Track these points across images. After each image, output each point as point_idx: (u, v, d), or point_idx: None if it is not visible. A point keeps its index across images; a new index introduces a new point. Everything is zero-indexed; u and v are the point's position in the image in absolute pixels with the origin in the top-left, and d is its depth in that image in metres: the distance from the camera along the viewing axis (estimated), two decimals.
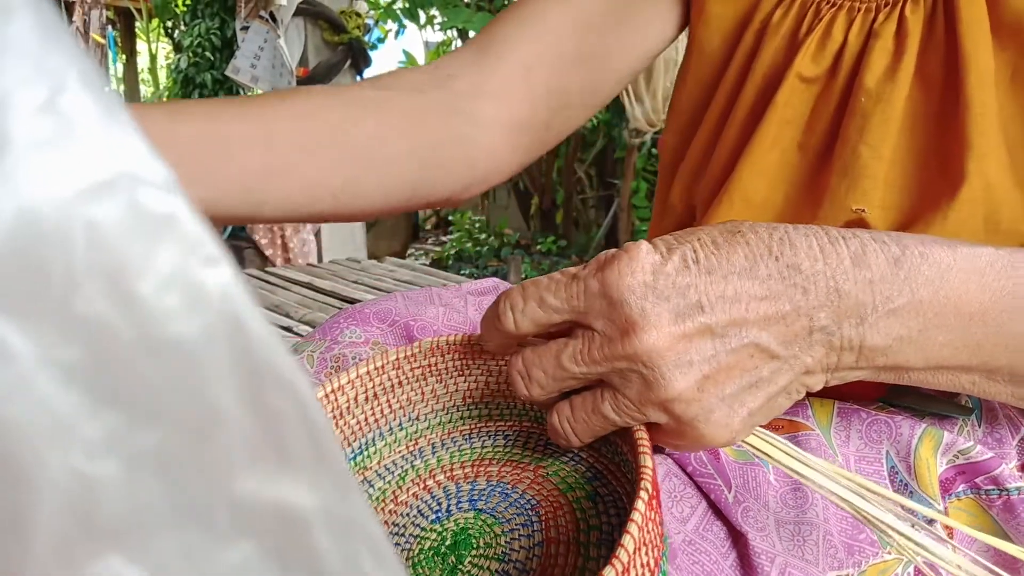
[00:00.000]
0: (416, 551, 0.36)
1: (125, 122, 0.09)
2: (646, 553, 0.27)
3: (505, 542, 0.35)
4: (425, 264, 4.41)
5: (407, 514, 0.38)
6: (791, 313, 0.30)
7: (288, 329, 2.10)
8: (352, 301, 2.42)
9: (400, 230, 5.14)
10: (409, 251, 5.25)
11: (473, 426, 0.41)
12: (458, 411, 0.41)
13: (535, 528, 0.35)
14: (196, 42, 4.38)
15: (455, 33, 4.56)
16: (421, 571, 0.35)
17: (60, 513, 0.09)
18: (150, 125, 0.40)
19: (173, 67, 4.83)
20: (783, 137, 0.48)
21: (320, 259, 3.68)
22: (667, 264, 0.30)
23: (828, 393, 0.44)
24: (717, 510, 0.39)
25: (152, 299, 0.09)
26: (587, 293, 0.30)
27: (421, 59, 5.32)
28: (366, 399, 0.39)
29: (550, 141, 0.59)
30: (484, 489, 0.38)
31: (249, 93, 3.40)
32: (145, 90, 6.45)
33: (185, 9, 4.59)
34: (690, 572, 0.37)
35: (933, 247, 0.32)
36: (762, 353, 0.30)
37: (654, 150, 3.98)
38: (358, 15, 3.60)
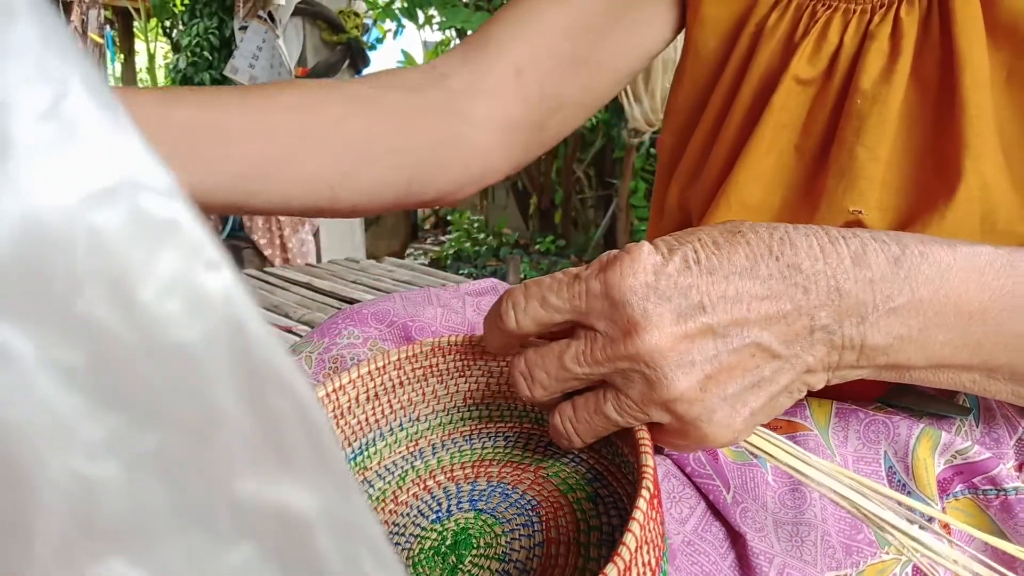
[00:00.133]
0: (416, 551, 0.36)
1: (128, 127, 0.09)
2: (647, 552, 0.27)
3: (505, 542, 0.35)
4: (424, 264, 4.41)
5: (407, 514, 0.38)
6: (792, 312, 0.30)
7: (287, 329, 2.10)
8: (351, 301, 2.42)
9: (399, 230, 5.14)
10: (408, 251, 5.25)
11: (473, 427, 0.41)
12: (459, 412, 0.41)
13: (535, 528, 0.35)
14: (194, 42, 4.38)
15: (454, 33, 4.56)
16: (421, 571, 0.35)
17: (61, 515, 0.09)
18: (143, 108, 0.39)
19: (171, 67, 4.83)
20: (779, 140, 0.48)
21: (319, 259, 3.68)
22: (668, 265, 0.30)
23: (826, 393, 0.45)
24: (716, 511, 0.39)
25: (153, 303, 0.09)
26: (589, 294, 0.30)
27: (420, 59, 5.32)
28: (367, 399, 0.39)
29: (546, 142, 0.59)
30: (484, 490, 0.38)
31: None
32: None
33: (183, 9, 4.58)
34: (689, 572, 0.37)
35: (933, 246, 0.32)
36: (764, 352, 0.30)
37: (653, 150, 3.98)
38: (356, 15, 3.60)
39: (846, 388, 0.45)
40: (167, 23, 4.96)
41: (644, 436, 0.31)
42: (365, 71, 3.62)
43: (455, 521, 0.37)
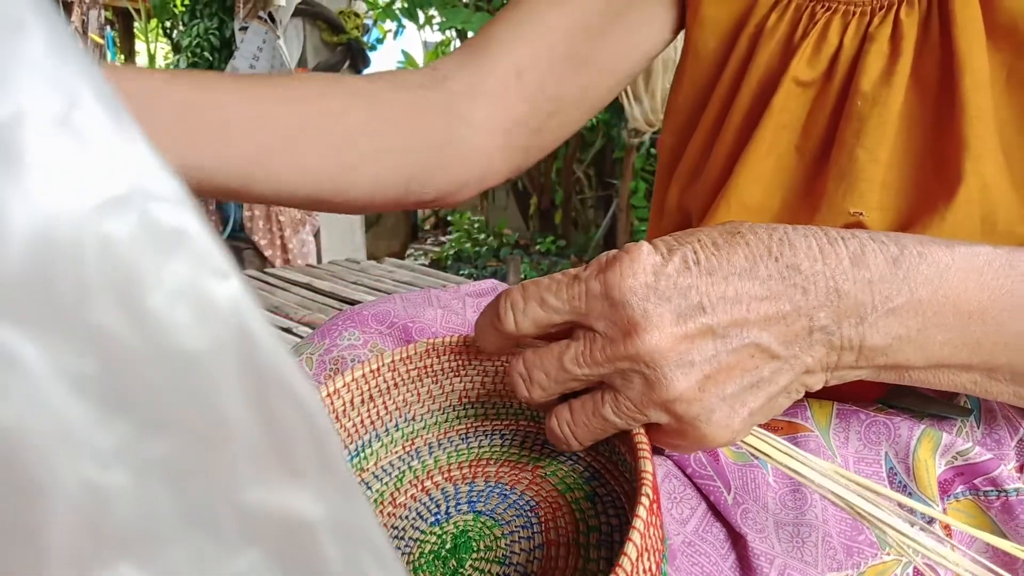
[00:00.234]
0: (416, 555, 0.36)
1: (138, 137, 0.09)
2: (648, 559, 0.27)
3: (505, 545, 0.35)
4: (424, 264, 4.41)
5: (406, 516, 0.38)
6: (791, 313, 0.30)
7: (287, 330, 2.10)
8: (351, 302, 2.42)
9: (399, 230, 5.14)
10: (408, 251, 5.25)
11: (469, 425, 0.41)
12: (454, 411, 0.41)
13: (535, 530, 0.35)
14: (195, 42, 4.38)
15: (454, 33, 4.56)
16: (422, 575, 0.35)
17: (71, 522, 0.09)
18: (145, 87, 0.39)
19: (172, 67, 4.83)
20: (779, 141, 0.48)
21: (319, 260, 3.68)
22: (668, 265, 0.30)
23: (827, 394, 0.45)
24: (716, 512, 0.40)
25: (163, 311, 0.09)
26: (589, 294, 0.30)
27: (420, 59, 5.32)
28: (362, 402, 0.39)
29: (546, 145, 0.59)
30: (483, 490, 0.38)
31: None
32: None
33: (184, 9, 4.58)
34: (689, 573, 0.37)
35: (931, 247, 0.32)
36: (763, 353, 0.30)
37: (653, 150, 3.98)
38: (357, 15, 3.60)
39: (847, 389, 0.45)
40: (167, 24, 4.96)
41: (643, 440, 0.31)
42: (365, 72, 3.62)
43: (454, 524, 0.37)
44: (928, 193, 0.43)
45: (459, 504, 0.38)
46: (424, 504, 0.39)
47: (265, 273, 3.02)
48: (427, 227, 6.13)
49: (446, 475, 0.40)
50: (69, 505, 0.09)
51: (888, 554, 0.37)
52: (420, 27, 4.43)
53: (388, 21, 4.32)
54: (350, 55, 3.54)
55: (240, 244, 3.63)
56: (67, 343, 0.09)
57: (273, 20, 3.36)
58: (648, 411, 0.30)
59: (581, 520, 0.35)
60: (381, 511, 0.39)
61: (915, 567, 0.37)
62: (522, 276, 3.98)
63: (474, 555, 0.35)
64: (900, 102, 0.44)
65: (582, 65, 0.56)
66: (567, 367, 0.31)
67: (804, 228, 0.32)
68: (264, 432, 0.10)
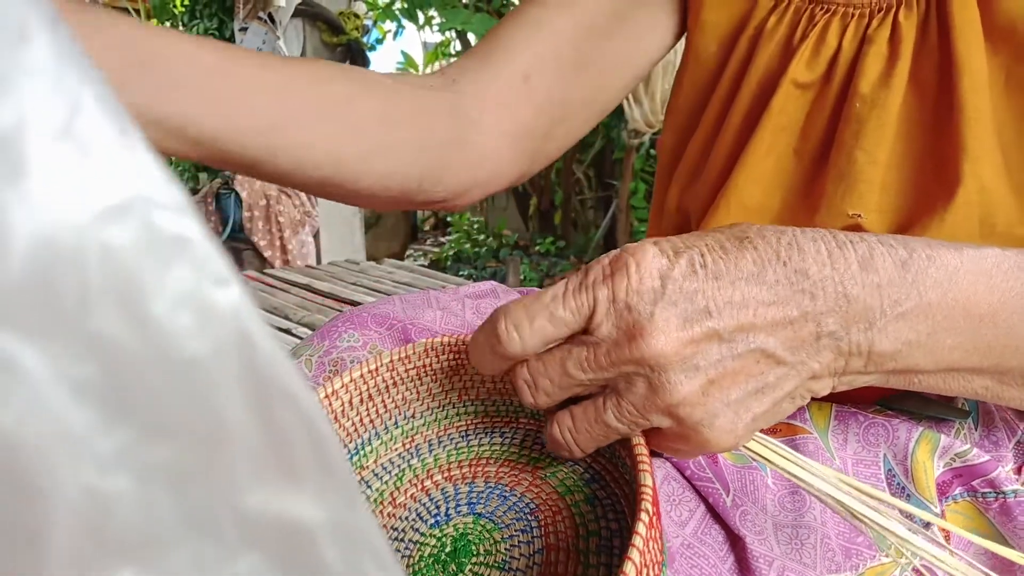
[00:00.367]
0: (416, 558, 0.36)
1: (140, 145, 0.09)
2: (647, 574, 0.27)
3: (505, 549, 0.35)
4: (423, 265, 4.41)
5: (406, 517, 0.38)
6: (799, 319, 0.30)
7: (287, 331, 2.10)
8: (351, 303, 2.42)
9: (399, 231, 5.14)
10: (408, 252, 5.25)
11: (469, 423, 0.41)
12: (454, 408, 0.41)
13: (534, 534, 0.35)
14: None
15: (453, 34, 4.56)
16: None
17: (73, 527, 0.09)
18: (177, 48, 0.40)
19: None
20: (779, 143, 0.48)
21: (319, 261, 3.68)
22: (674, 269, 0.30)
23: (826, 397, 0.45)
24: (715, 514, 0.40)
25: (164, 318, 0.09)
26: (598, 301, 0.30)
27: (419, 60, 5.32)
28: (360, 401, 0.39)
29: (551, 152, 0.59)
30: (482, 491, 0.38)
31: None
32: None
33: (183, 10, 4.58)
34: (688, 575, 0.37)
35: (940, 249, 0.31)
36: (768, 359, 0.30)
37: (652, 151, 3.98)
38: (356, 16, 3.60)
39: (846, 392, 0.45)
40: (167, 24, 4.96)
41: (643, 452, 0.31)
42: None
43: (454, 526, 0.37)
44: (927, 195, 0.43)
45: (459, 506, 0.38)
46: (424, 505, 0.39)
47: (264, 274, 3.02)
48: (426, 228, 6.13)
49: (446, 474, 0.40)
50: (70, 510, 0.09)
51: (886, 556, 0.38)
52: (420, 28, 4.43)
53: (388, 22, 4.32)
54: (350, 56, 3.54)
55: (239, 245, 3.63)
56: (68, 349, 0.09)
57: (273, 21, 3.36)
58: (651, 415, 0.30)
59: (581, 525, 0.35)
60: (381, 511, 0.39)
61: (913, 569, 0.37)
62: (522, 277, 3.98)
63: (474, 559, 0.35)
64: (899, 104, 0.44)
65: (586, 69, 0.56)
66: (571, 373, 0.31)
67: (813, 231, 0.32)
68: (264, 436, 0.10)
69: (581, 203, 4.74)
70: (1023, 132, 0.42)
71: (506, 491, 0.38)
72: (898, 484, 0.40)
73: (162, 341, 0.09)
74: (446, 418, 0.41)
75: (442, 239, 5.78)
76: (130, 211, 0.09)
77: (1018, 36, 0.41)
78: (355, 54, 3.55)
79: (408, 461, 0.40)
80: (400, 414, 0.40)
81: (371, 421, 0.40)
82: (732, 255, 0.30)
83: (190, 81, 0.40)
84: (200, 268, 0.09)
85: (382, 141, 0.49)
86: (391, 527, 0.38)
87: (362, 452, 0.40)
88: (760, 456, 0.34)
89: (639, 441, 0.31)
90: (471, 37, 3.97)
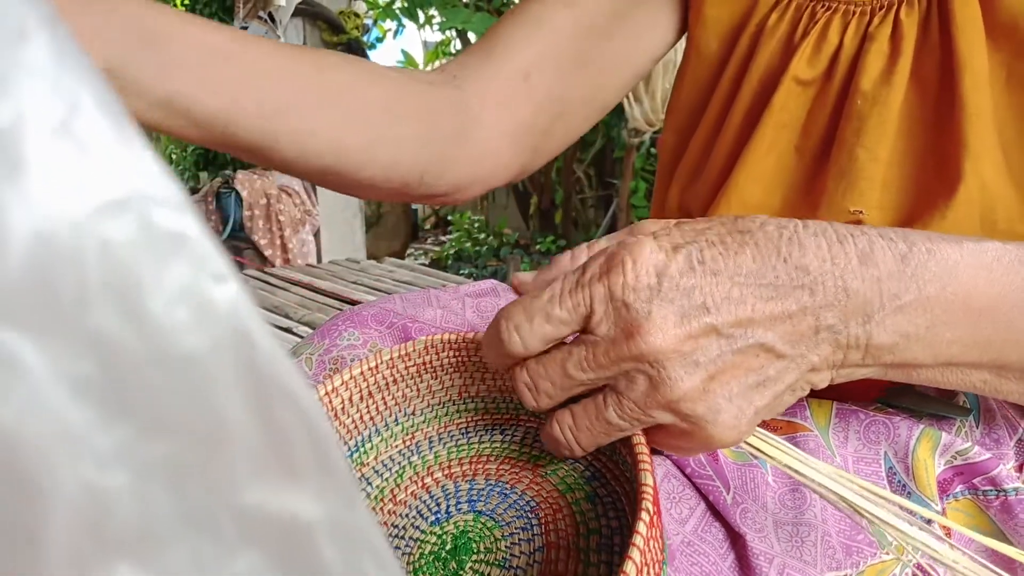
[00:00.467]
0: (417, 556, 0.36)
1: (138, 142, 0.09)
2: (648, 573, 0.27)
3: (505, 547, 0.35)
4: (424, 264, 4.41)
5: (406, 515, 0.38)
6: (797, 313, 0.30)
7: (288, 330, 2.10)
8: (351, 302, 2.42)
9: (399, 230, 5.14)
10: (408, 251, 5.25)
11: (469, 420, 0.41)
12: (454, 405, 0.41)
13: (535, 532, 0.36)
14: None
15: (454, 33, 4.55)
16: None
17: (71, 524, 0.09)
18: (185, 29, 0.41)
19: None
20: (780, 140, 0.48)
21: (319, 259, 3.68)
22: (671, 265, 0.30)
23: (826, 394, 0.45)
24: (716, 511, 0.40)
25: (162, 315, 0.09)
26: (595, 299, 0.30)
27: (419, 59, 5.32)
28: (361, 398, 0.39)
29: (553, 147, 0.59)
30: (483, 489, 0.38)
31: None
32: None
33: (183, 9, 4.59)
34: (689, 573, 0.37)
35: (940, 243, 0.31)
36: (768, 353, 0.30)
37: (653, 150, 3.98)
38: (357, 15, 3.60)
39: (846, 388, 0.45)
40: None
41: (644, 451, 0.31)
42: None
43: (454, 524, 0.37)
44: (928, 192, 0.43)
45: (459, 503, 0.38)
46: (424, 502, 0.39)
47: (265, 273, 3.02)
48: (427, 227, 6.13)
49: (446, 472, 0.40)
50: (69, 507, 0.09)
51: (887, 553, 0.38)
52: (420, 27, 4.43)
53: (388, 21, 4.32)
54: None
55: (240, 244, 3.63)
56: (67, 346, 0.09)
57: (273, 20, 3.36)
58: (653, 412, 0.30)
59: (581, 523, 0.35)
60: (382, 508, 0.39)
61: (914, 566, 0.37)
62: None
63: (474, 557, 0.35)
64: (900, 101, 0.44)
65: (587, 66, 0.56)
66: (571, 373, 0.31)
67: (815, 225, 0.32)
68: (263, 434, 0.10)
69: (582, 202, 4.74)
70: None
71: (507, 489, 0.38)
72: (899, 482, 0.40)
73: (160, 338, 0.09)
74: (447, 415, 0.41)
75: (443, 238, 5.78)
76: (128, 208, 0.09)
77: (1019, 33, 0.41)
78: (355, 53, 3.55)
79: (408, 458, 0.40)
80: (400, 411, 0.40)
81: (371, 418, 0.40)
82: (732, 250, 0.30)
83: (195, 61, 0.41)
84: (198, 265, 0.09)
85: (386, 132, 0.49)
86: (391, 524, 0.38)
87: (362, 449, 0.40)
88: (761, 452, 0.34)
89: (640, 439, 0.31)
90: (471, 36, 3.97)
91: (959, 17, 0.42)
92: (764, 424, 0.43)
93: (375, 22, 4.30)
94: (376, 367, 0.38)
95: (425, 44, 5.67)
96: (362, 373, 0.38)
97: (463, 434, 0.41)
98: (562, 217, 4.76)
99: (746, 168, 0.48)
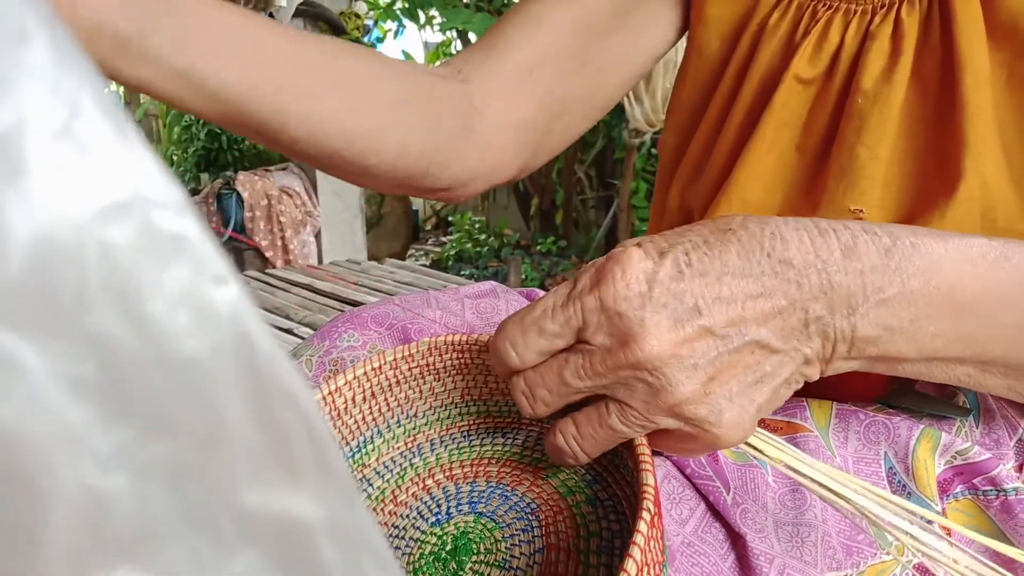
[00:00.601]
0: (417, 556, 0.36)
1: (138, 144, 0.09)
2: (648, 573, 0.27)
3: (505, 548, 0.35)
4: (425, 265, 4.42)
5: (407, 515, 0.38)
6: (787, 307, 0.30)
7: (288, 331, 2.11)
8: (352, 303, 2.43)
9: (400, 231, 5.14)
10: (409, 252, 5.25)
11: (471, 423, 0.41)
12: (456, 408, 0.41)
13: (535, 534, 0.36)
14: None
15: (454, 34, 4.56)
16: None
17: (71, 525, 0.09)
18: (197, 9, 0.41)
19: None
20: (780, 139, 0.48)
21: (320, 261, 3.68)
22: (660, 271, 0.30)
23: (826, 394, 0.45)
24: (716, 512, 0.40)
25: (163, 317, 0.09)
26: (585, 311, 0.30)
27: (420, 59, 5.32)
28: (363, 399, 0.39)
29: (553, 146, 0.59)
30: (484, 490, 0.38)
31: None
32: None
33: None
34: (689, 574, 0.37)
35: (925, 238, 0.32)
36: (763, 349, 0.30)
37: (653, 150, 3.98)
38: (357, 16, 3.60)
39: (846, 389, 0.45)
40: None
41: (645, 452, 0.31)
42: None
43: (455, 524, 0.37)
44: (928, 190, 0.43)
45: (460, 504, 0.38)
46: (425, 503, 0.39)
47: (266, 274, 3.02)
48: (428, 227, 6.13)
49: (447, 473, 0.40)
50: (68, 507, 0.09)
51: (887, 554, 0.38)
52: (421, 27, 4.43)
53: (388, 21, 4.33)
54: None
55: (241, 245, 3.63)
56: (67, 347, 0.09)
57: (273, 20, 3.36)
58: (656, 417, 0.30)
59: (582, 525, 0.35)
60: (382, 509, 0.39)
61: (914, 566, 0.37)
62: (523, 277, 3.98)
63: (474, 558, 0.35)
64: (901, 100, 0.44)
65: (588, 64, 0.56)
66: (568, 381, 0.31)
67: (795, 220, 0.32)
68: (262, 435, 0.10)
69: (582, 203, 4.74)
70: None
71: (507, 491, 0.38)
72: (899, 482, 0.40)
73: (160, 340, 0.09)
74: (449, 418, 0.41)
75: (443, 239, 5.78)
76: (129, 210, 0.09)
77: (1020, 33, 0.41)
78: None
79: (410, 460, 0.40)
80: (403, 413, 0.40)
81: (373, 419, 0.40)
82: (716, 250, 0.31)
83: (214, 35, 0.41)
84: (198, 267, 0.09)
85: (395, 120, 0.50)
86: (392, 525, 0.38)
87: (364, 450, 0.40)
88: (761, 452, 0.34)
89: (641, 441, 0.31)
90: (472, 36, 3.97)
91: (960, 17, 0.42)
92: (764, 424, 0.43)
93: (376, 23, 4.30)
94: (379, 367, 0.38)
95: (426, 45, 5.68)
96: (365, 373, 0.38)
97: (465, 437, 0.41)
98: (563, 218, 4.76)
99: (747, 167, 0.48)
